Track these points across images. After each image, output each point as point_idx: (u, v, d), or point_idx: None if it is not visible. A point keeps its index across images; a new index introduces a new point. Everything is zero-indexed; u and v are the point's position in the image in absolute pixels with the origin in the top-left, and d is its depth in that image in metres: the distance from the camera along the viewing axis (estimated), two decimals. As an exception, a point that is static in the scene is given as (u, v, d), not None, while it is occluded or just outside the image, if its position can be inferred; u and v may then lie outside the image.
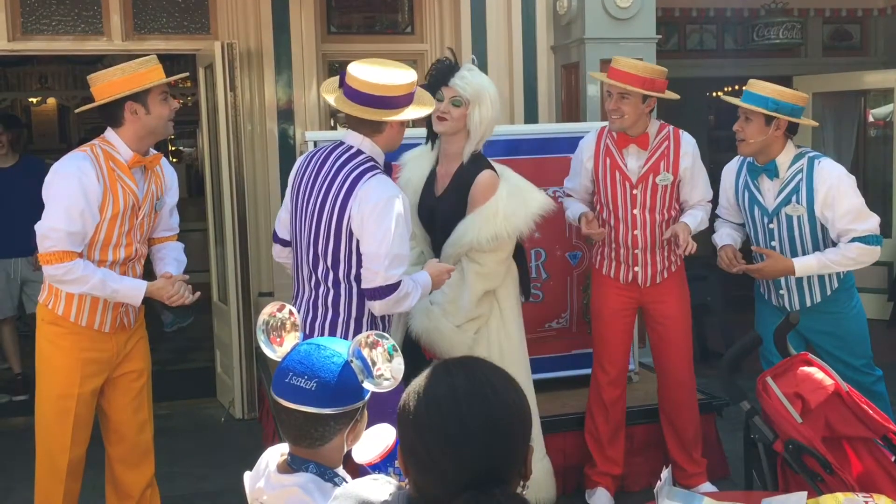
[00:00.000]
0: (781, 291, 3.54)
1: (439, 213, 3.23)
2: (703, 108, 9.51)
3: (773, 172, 3.44)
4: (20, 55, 5.23)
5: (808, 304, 3.50)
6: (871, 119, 7.76)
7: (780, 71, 7.68)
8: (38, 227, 2.92)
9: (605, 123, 3.76)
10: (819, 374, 2.71)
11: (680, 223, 3.59)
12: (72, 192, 2.89)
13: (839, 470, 2.52)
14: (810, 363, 2.76)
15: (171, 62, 9.89)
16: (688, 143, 3.65)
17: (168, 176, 3.24)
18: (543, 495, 3.53)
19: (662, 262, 3.71)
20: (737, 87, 9.61)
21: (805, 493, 2.22)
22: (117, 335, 3.13)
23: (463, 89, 3.13)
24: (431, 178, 3.31)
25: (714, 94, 9.56)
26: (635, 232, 3.65)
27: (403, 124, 2.87)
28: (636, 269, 3.70)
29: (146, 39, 5.28)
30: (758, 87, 3.42)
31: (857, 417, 2.65)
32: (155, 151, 3.19)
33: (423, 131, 3.39)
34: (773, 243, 3.49)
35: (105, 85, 3.00)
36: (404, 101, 2.78)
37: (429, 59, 5.64)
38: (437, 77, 3.18)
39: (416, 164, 3.36)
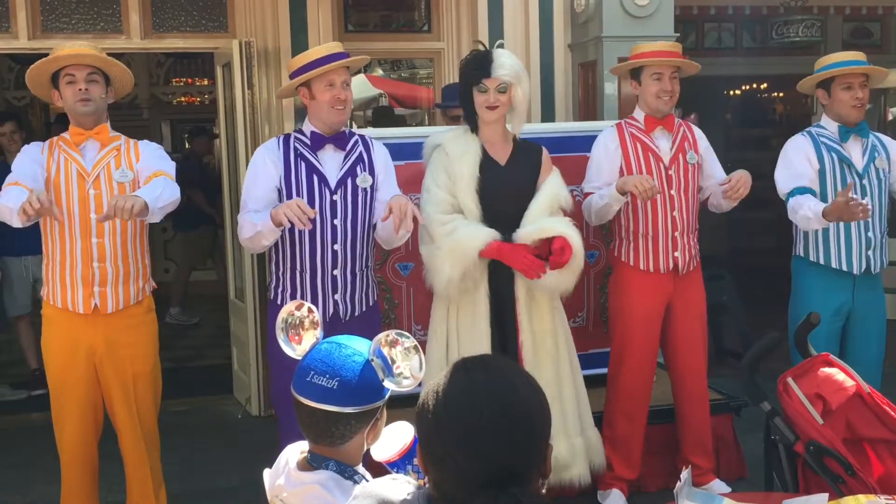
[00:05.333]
0: (870, 252, 3.68)
1: (512, 177, 3.40)
2: (720, 107, 9.45)
3: None
4: (40, 53, 5.25)
5: (886, 264, 3.76)
6: (890, 117, 7.69)
7: (799, 69, 7.59)
8: None
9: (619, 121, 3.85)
10: (840, 374, 2.70)
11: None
12: (18, 156, 3.21)
13: (860, 472, 2.51)
14: (831, 364, 2.74)
15: (189, 61, 9.96)
16: (697, 129, 3.85)
17: (142, 152, 3.21)
18: (597, 461, 3.61)
19: (694, 248, 3.77)
20: (755, 86, 9.56)
21: (826, 495, 2.20)
22: (96, 322, 3.14)
23: (506, 76, 3.29)
24: (485, 152, 3.42)
25: (732, 92, 9.50)
26: (674, 213, 3.66)
27: (314, 95, 3.17)
28: (676, 254, 3.68)
29: (164, 38, 5.31)
30: None
31: (878, 419, 2.63)
32: (116, 133, 3.23)
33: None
34: None
35: None
36: (303, 70, 3.16)
37: (446, 57, 5.63)
38: (479, 70, 3.32)
39: (462, 141, 3.44)
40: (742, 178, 3.55)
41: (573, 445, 3.47)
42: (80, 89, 3.08)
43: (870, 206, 3.47)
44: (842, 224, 3.65)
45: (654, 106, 3.68)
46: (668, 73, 3.65)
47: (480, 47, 3.43)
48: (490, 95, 3.30)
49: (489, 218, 3.37)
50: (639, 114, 3.75)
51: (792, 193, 3.66)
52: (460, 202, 3.37)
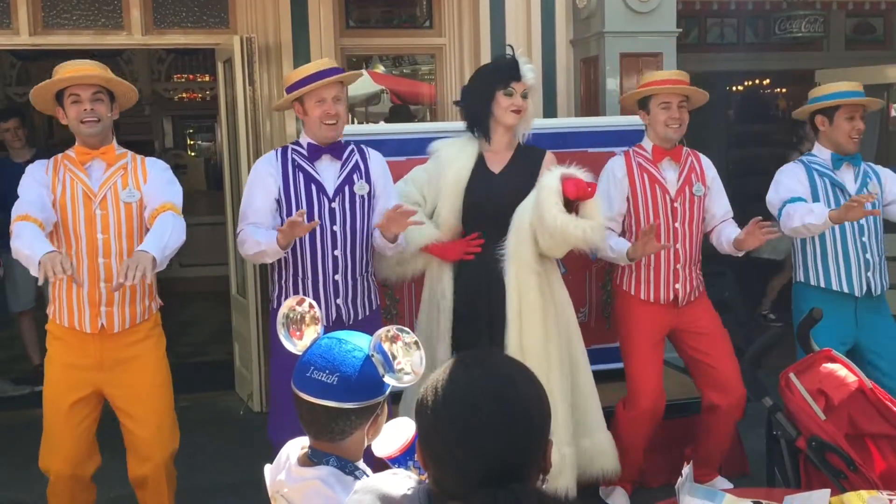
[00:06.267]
0: (869, 273, 3.69)
1: (506, 184, 3.40)
2: (723, 104, 9.44)
3: None
4: (41, 49, 5.27)
5: (887, 286, 3.76)
6: (893, 114, 7.66)
7: (802, 65, 7.61)
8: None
9: (624, 119, 3.82)
10: (842, 370, 2.69)
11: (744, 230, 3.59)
12: (23, 179, 3.10)
13: (862, 467, 2.50)
14: (833, 359, 2.74)
15: (191, 57, 9.97)
16: (705, 158, 3.82)
17: (149, 172, 3.18)
18: (609, 466, 3.56)
19: (697, 279, 3.73)
20: (757, 81, 9.54)
21: (828, 491, 2.20)
22: (102, 341, 3.11)
23: (532, 80, 3.39)
24: (480, 161, 3.46)
25: (734, 88, 9.48)
26: (677, 246, 3.64)
27: (306, 111, 3.23)
28: (677, 286, 3.65)
29: (165, 34, 5.30)
30: None
31: (880, 414, 2.62)
32: (123, 149, 3.19)
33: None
34: None
35: None
36: (295, 87, 3.22)
37: (447, 53, 5.63)
38: (510, 73, 3.37)
39: (457, 148, 3.49)
40: (764, 230, 3.48)
41: (563, 455, 3.37)
42: (85, 109, 3.06)
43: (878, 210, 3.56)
44: (839, 246, 3.69)
45: (662, 135, 3.65)
46: (675, 101, 3.63)
47: (509, 51, 3.49)
48: (516, 99, 3.36)
49: (470, 224, 3.42)
50: (647, 143, 3.73)
51: (784, 204, 3.66)
52: (439, 205, 3.44)
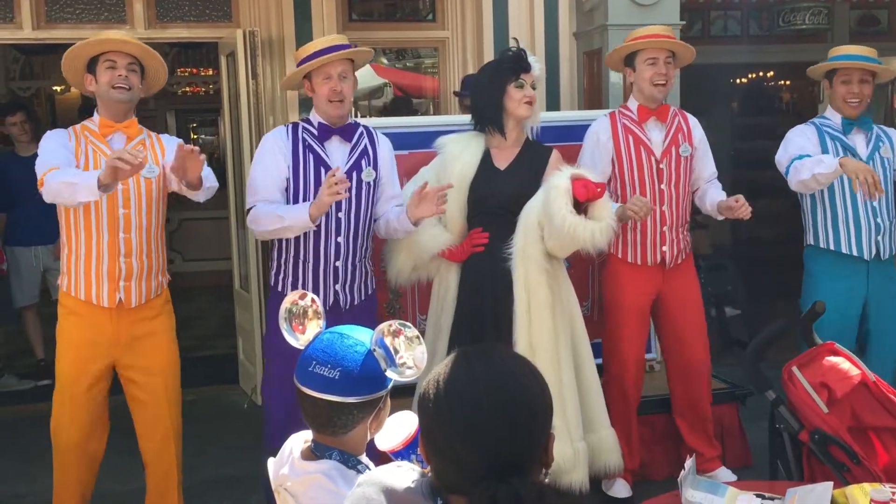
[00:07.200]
0: (879, 237, 3.68)
1: (510, 180, 3.39)
2: (727, 95, 9.40)
3: None
4: (45, 43, 5.28)
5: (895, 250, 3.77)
6: (897, 106, 7.63)
7: (806, 57, 7.54)
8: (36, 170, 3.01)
9: (613, 110, 3.83)
10: (845, 363, 2.69)
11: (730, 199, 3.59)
12: (45, 142, 3.08)
13: (865, 460, 2.50)
14: (836, 353, 2.74)
15: (194, 50, 9.96)
16: (692, 118, 3.79)
17: (167, 147, 3.20)
18: (613, 461, 3.56)
19: (684, 241, 3.73)
20: (761, 74, 9.50)
21: (831, 484, 2.20)
22: (119, 316, 3.12)
23: (539, 70, 3.41)
24: (486, 157, 3.46)
25: (738, 80, 9.45)
26: (663, 208, 3.63)
27: (314, 88, 3.22)
28: (664, 248, 3.65)
29: (168, 28, 5.30)
30: None
31: (884, 408, 2.62)
32: (142, 126, 3.21)
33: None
34: None
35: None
36: (304, 62, 3.21)
37: (450, 46, 5.62)
38: (518, 65, 3.38)
39: (463, 144, 3.50)
40: (744, 209, 3.50)
41: (576, 450, 3.37)
42: (119, 75, 3.08)
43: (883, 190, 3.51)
44: (850, 209, 3.69)
45: (648, 93, 3.62)
46: (662, 57, 3.60)
47: (514, 43, 3.49)
48: (528, 90, 3.37)
49: (475, 220, 3.43)
50: (633, 103, 3.70)
51: (793, 161, 3.62)
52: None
